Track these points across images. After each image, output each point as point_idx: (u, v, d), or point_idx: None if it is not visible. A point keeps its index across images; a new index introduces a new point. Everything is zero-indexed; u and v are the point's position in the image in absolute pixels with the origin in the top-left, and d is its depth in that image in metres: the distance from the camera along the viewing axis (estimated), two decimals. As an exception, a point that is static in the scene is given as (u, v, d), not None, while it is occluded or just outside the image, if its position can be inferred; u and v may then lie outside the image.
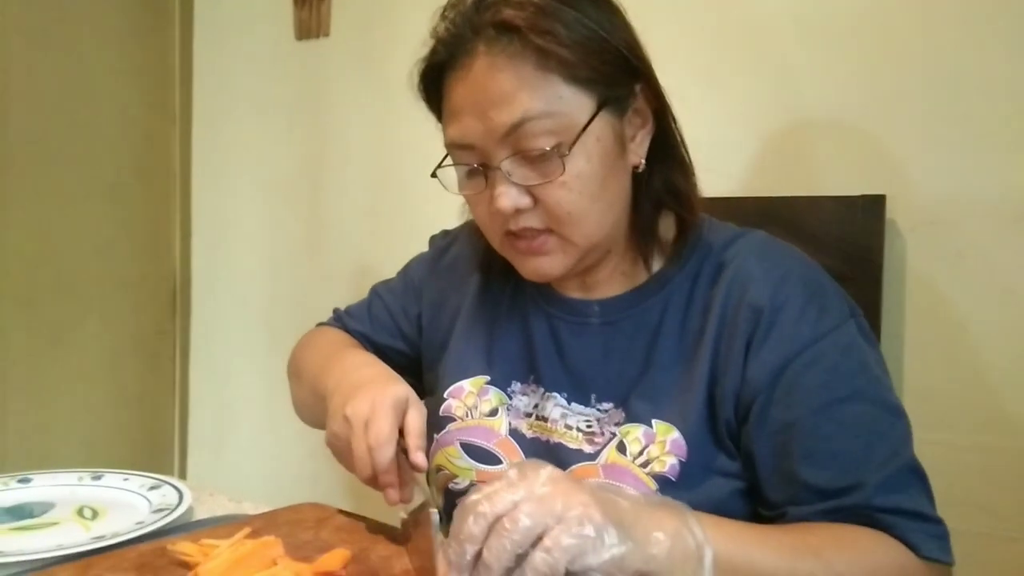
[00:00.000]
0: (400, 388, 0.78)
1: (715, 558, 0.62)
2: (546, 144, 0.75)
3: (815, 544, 0.69)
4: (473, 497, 0.61)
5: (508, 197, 0.77)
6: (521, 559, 0.58)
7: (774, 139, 1.24)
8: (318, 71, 1.82)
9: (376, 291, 1.07)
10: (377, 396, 0.76)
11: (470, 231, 0.99)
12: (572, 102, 0.76)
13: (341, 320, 1.08)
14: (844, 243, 1.11)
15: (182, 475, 2.09)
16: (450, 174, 0.83)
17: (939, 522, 0.74)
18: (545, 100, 0.75)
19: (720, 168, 1.27)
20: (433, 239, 1.07)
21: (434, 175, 0.83)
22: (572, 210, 0.78)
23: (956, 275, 1.11)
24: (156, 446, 2.11)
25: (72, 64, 1.88)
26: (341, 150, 1.79)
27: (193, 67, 2.04)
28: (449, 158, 0.82)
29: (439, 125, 0.85)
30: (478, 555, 0.59)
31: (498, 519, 0.59)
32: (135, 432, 2.06)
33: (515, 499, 0.59)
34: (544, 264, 0.81)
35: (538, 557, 0.57)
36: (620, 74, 0.79)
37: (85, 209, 1.92)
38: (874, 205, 1.11)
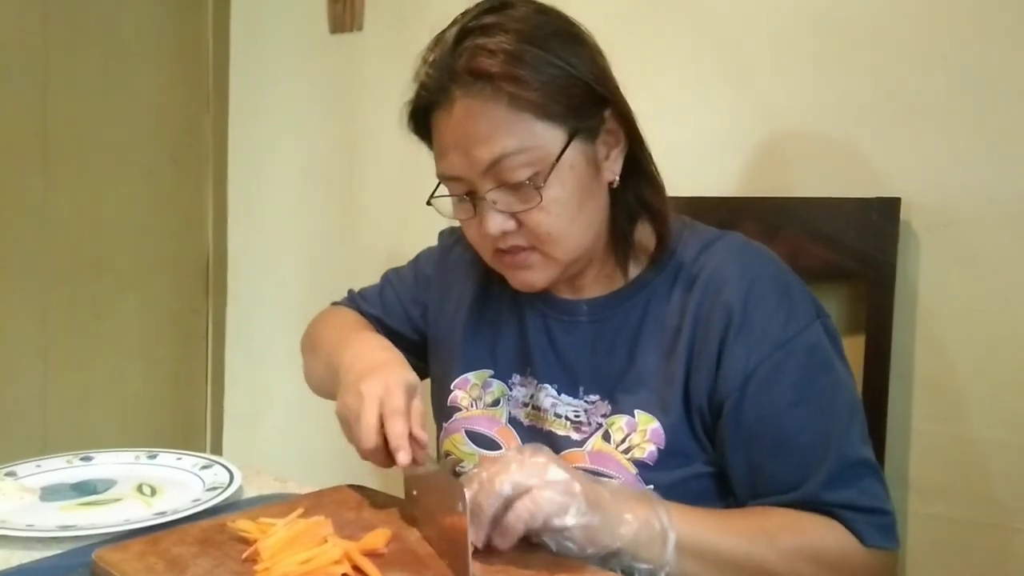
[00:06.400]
0: (411, 375, 0.86)
1: (678, 540, 0.73)
2: (524, 176, 0.82)
3: (769, 528, 0.79)
4: (487, 475, 0.71)
5: (495, 223, 0.85)
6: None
7: (790, 140, 1.27)
8: (351, 64, 1.86)
9: (388, 278, 1.14)
10: (390, 377, 0.84)
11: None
12: (545, 136, 0.83)
13: (355, 302, 1.15)
14: (859, 244, 1.15)
15: (215, 452, 2.17)
16: (445, 201, 0.90)
17: (885, 512, 0.81)
18: (519, 138, 0.82)
19: (736, 168, 1.31)
20: (442, 234, 1.13)
21: (429, 203, 0.91)
22: (552, 231, 0.85)
23: (969, 277, 1.13)
24: (188, 423, 2.19)
25: (110, 54, 1.94)
26: (373, 141, 1.83)
27: (229, 58, 2.08)
28: (443, 187, 0.90)
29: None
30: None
31: (513, 498, 0.70)
32: (168, 408, 2.13)
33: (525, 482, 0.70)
34: (529, 276, 0.89)
35: (522, 505, 0.69)
36: (589, 105, 0.85)
37: (123, 193, 1.99)
38: (889, 207, 1.14)
